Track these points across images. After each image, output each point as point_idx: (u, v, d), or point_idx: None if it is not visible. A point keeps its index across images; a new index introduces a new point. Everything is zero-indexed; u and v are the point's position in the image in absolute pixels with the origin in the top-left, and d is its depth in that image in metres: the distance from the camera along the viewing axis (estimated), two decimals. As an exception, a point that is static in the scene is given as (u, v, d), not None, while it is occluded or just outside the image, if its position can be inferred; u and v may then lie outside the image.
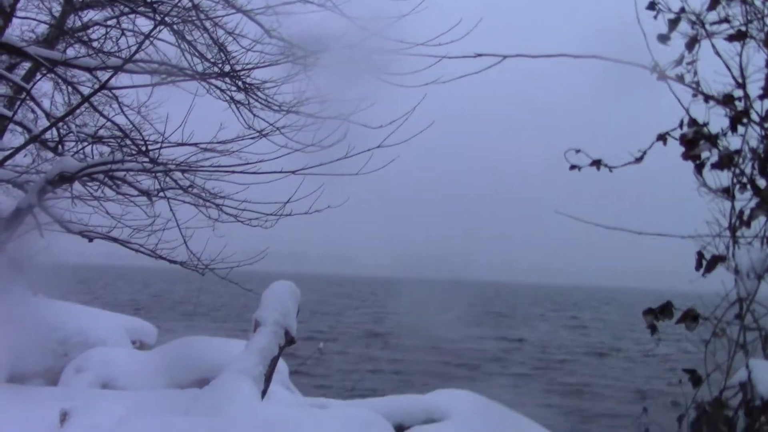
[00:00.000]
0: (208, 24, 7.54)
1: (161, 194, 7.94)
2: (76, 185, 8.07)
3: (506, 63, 2.99)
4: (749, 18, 2.73)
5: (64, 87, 8.88)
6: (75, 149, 8.35)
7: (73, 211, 8.17)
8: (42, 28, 8.35)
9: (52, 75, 8.25)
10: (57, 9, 8.62)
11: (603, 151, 2.96)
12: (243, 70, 7.63)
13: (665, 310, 2.65)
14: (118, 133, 7.83)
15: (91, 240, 7.87)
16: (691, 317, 2.63)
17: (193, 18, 7.43)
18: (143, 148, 7.45)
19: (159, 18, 7.13)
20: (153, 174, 7.83)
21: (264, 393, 4.66)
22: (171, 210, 7.67)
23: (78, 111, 8.56)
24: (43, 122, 8.70)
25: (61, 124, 8.13)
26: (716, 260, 2.66)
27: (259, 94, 7.77)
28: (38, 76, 8.54)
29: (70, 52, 8.05)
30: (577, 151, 2.80)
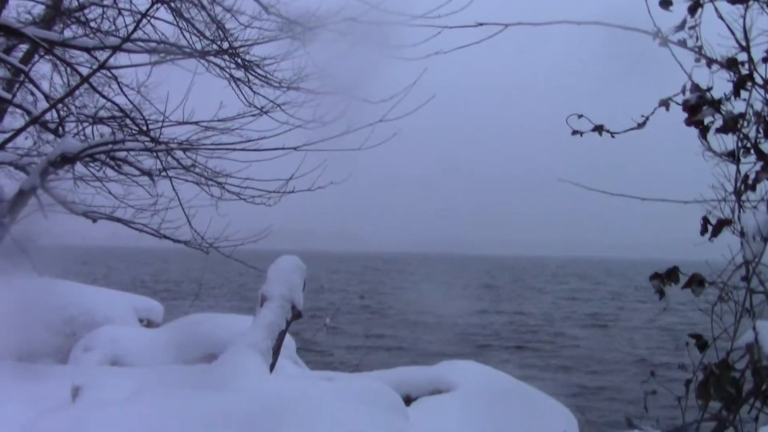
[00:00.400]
0: (205, 1, 7.49)
1: (163, 174, 7.94)
2: (78, 166, 8.08)
3: (509, 34, 2.98)
4: (752, -20, 2.70)
5: (62, 68, 8.84)
6: (76, 130, 8.33)
7: (75, 192, 8.19)
8: (39, 9, 8.28)
9: (51, 56, 8.21)
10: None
11: (606, 121, 2.95)
12: (242, 47, 7.59)
13: (672, 274, 2.66)
14: (119, 114, 7.82)
15: (94, 221, 7.89)
16: (696, 282, 2.64)
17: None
18: (144, 128, 7.44)
19: (156, -4, 7.07)
20: (154, 153, 7.82)
21: (272, 367, 4.69)
22: (174, 189, 7.68)
23: (77, 92, 8.53)
24: (43, 104, 8.67)
25: (60, 105, 8.11)
26: (722, 224, 2.67)
27: (258, 71, 7.74)
28: (36, 57, 8.51)
29: (68, 33, 8.00)
30: (580, 116, 2.80)
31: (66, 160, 7.21)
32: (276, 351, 4.86)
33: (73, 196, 8.06)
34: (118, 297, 9.84)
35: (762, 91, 2.75)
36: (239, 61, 7.65)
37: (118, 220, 7.98)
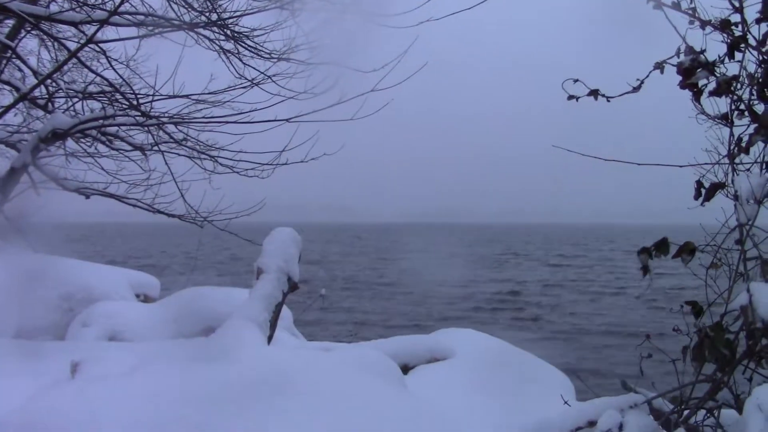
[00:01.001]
0: (193, -28, 7.39)
1: (155, 148, 7.91)
2: (70, 142, 8.04)
3: (501, 3, 2.95)
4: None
5: (50, 43, 8.74)
6: (65, 106, 8.27)
7: (68, 168, 8.15)
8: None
9: (37, 31, 8.11)
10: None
11: (602, 87, 2.94)
12: (231, 18, 7.51)
13: (661, 246, 2.66)
14: (108, 88, 7.75)
15: (87, 197, 7.86)
16: (687, 251, 2.65)
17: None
18: (134, 102, 7.38)
19: (143, -33, 6.98)
20: (146, 128, 7.78)
21: (270, 339, 4.72)
22: (166, 163, 7.65)
23: (66, 67, 8.45)
24: (31, 80, 8.60)
25: (49, 81, 8.04)
26: (716, 187, 2.67)
27: (248, 42, 7.67)
28: (23, 33, 8.40)
29: (54, 7, 7.90)
30: (575, 80, 2.78)
31: (57, 136, 7.17)
32: (273, 323, 4.87)
33: (65, 172, 8.03)
34: (115, 272, 9.85)
35: (755, 53, 2.74)
36: (228, 32, 7.58)
37: (111, 195, 7.96)
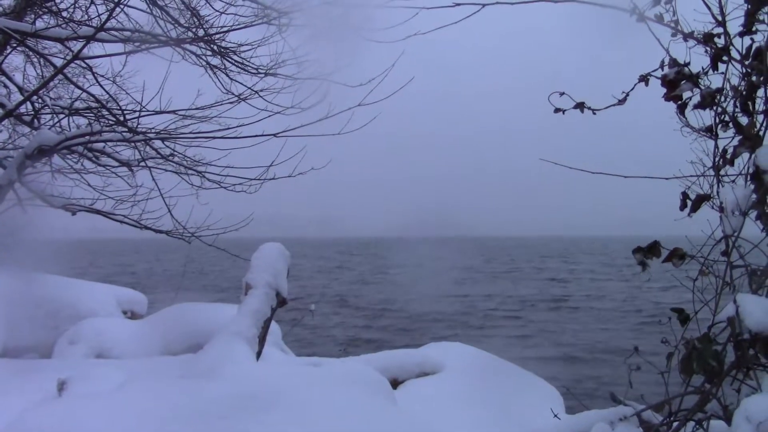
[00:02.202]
0: (179, -12, 7.40)
1: (142, 164, 7.89)
2: (56, 159, 7.99)
3: (486, 13, 2.97)
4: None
5: (35, 59, 8.72)
6: (51, 122, 8.24)
7: (54, 184, 8.11)
8: (8, 0, 8.15)
9: (23, 48, 8.09)
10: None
11: (587, 99, 2.96)
12: (217, 33, 7.52)
13: (653, 248, 2.68)
14: (95, 104, 7.73)
15: (74, 213, 7.82)
16: (677, 255, 2.67)
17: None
18: (121, 118, 7.36)
19: (129, -16, 6.99)
20: (132, 144, 7.76)
21: (258, 355, 4.69)
22: (153, 179, 7.63)
23: (52, 83, 8.43)
24: (17, 96, 8.56)
25: (35, 97, 8.01)
26: (701, 199, 2.69)
27: (234, 57, 7.68)
28: (8, 49, 8.38)
29: (40, 24, 7.89)
30: (561, 93, 2.80)
31: (43, 152, 7.13)
32: (262, 339, 4.85)
33: (52, 189, 7.98)
34: (102, 289, 9.79)
35: (739, 65, 2.76)
36: (215, 48, 7.59)
37: (98, 212, 7.92)
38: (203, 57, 7.71)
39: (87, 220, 8.03)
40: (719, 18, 2.73)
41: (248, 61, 7.67)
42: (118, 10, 7.14)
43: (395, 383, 6.30)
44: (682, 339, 2.63)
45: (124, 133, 7.49)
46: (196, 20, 7.51)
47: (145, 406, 3.27)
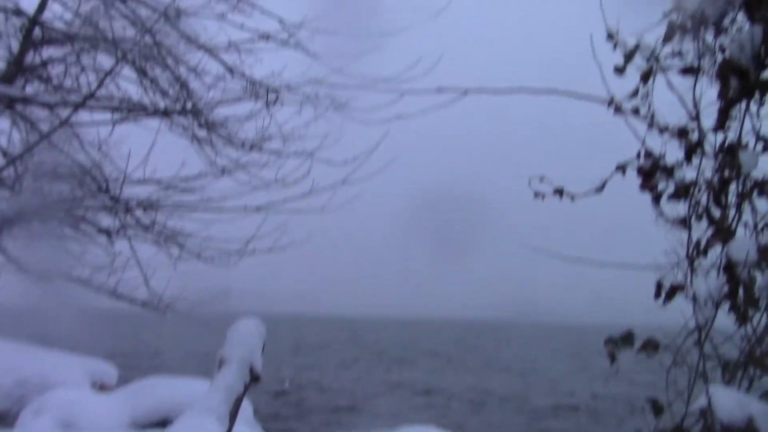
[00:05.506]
0: (170, 61, 7.54)
1: (122, 232, 7.84)
2: (35, 224, 7.94)
3: (469, 99, 3.04)
4: (701, 53, 2.81)
5: (21, 124, 8.75)
6: (33, 187, 8.21)
7: (32, 250, 8.02)
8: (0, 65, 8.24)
9: (10, 111, 8.14)
10: (15, 45, 8.52)
11: (565, 183, 3.01)
12: (205, 107, 7.63)
13: (626, 338, 2.68)
14: (79, 171, 7.74)
15: (49, 281, 7.73)
16: (651, 346, 2.67)
17: (156, 55, 7.43)
18: (104, 186, 7.38)
19: (121, 55, 7.11)
20: (114, 211, 7.74)
21: (228, 432, 4.57)
22: (132, 249, 7.58)
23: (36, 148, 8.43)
24: None
25: (18, 161, 8.00)
26: (675, 289, 2.71)
27: (221, 131, 7.77)
28: (-4, 113, 8.42)
29: (29, 89, 7.96)
30: (541, 179, 2.85)
31: (22, 218, 7.09)
32: (233, 416, 4.73)
33: (29, 254, 7.89)
34: (72, 360, 9.56)
35: (712, 160, 2.83)
36: (203, 121, 7.68)
37: (74, 280, 7.83)
38: (190, 129, 7.79)
39: (63, 286, 7.94)
40: (693, 113, 2.81)
41: (234, 135, 7.76)
42: (108, 79, 7.25)
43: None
44: (655, 430, 2.60)
45: (106, 202, 7.49)
46: (185, 92, 7.62)
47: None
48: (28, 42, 8.06)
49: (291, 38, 7.44)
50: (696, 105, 2.86)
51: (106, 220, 8.16)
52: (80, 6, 7.66)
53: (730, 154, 2.71)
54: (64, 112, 7.36)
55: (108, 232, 8.06)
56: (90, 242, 8.25)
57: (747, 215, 2.74)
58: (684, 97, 2.89)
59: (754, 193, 2.72)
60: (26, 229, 7.92)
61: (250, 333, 5.31)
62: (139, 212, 7.79)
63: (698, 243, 2.76)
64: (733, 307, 2.53)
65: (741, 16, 2.75)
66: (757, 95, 2.75)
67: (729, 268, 2.48)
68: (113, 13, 7.31)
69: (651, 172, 2.88)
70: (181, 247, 7.77)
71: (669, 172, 2.88)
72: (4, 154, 8.28)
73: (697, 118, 2.85)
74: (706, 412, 2.35)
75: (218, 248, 7.59)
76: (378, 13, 7.23)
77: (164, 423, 6.00)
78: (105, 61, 7.70)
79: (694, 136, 2.86)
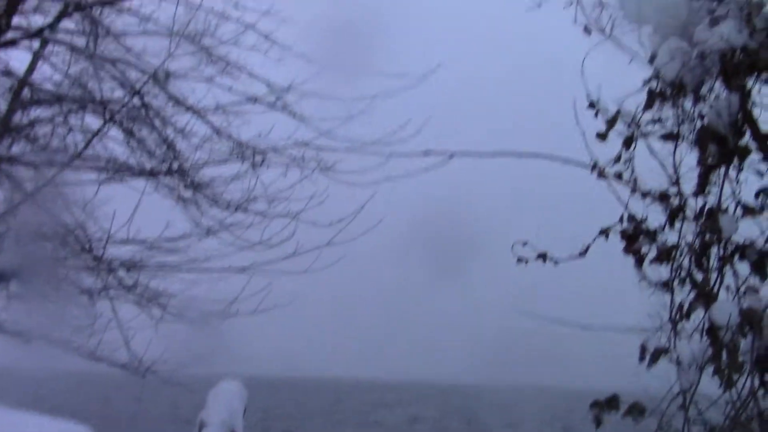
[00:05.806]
0: (158, 122, 7.59)
1: (103, 293, 7.75)
2: (16, 283, 7.84)
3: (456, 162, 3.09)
4: (681, 119, 2.88)
5: (6, 183, 8.72)
6: (14, 246, 8.13)
7: (11, 310, 7.89)
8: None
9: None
10: (3, 105, 8.56)
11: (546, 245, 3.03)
12: (192, 167, 7.66)
13: (612, 402, 2.67)
14: (62, 231, 7.69)
15: (27, 342, 7.58)
16: (637, 410, 2.65)
17: (144, 116, 7.48)
18: (87, 246, 7.32)
19: (108, 116, 7.16)
20: (96, 272, 7.67)
21: (207, 498, 4.46)
22: (113, 310, 7.48)
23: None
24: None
25: (0, 220, 7.95)
26: (659, 352, 2.71)
27: (207, 192, 7.78)
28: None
29: (15, 149, 7.97)
30: (524, 243, 2.87)
31: (2, 277, 7.02)
32: (212, 481, 4.64)
33: (8, 314, 7.77)
34: (46, 423, 9.32)
35: (693, 224, 2.87)
36: (189, 181, 7.69)
37: (53, 341, 7.68)
38: (176, 189, 7.79)
39: (42, 347, 7.79)
40: (674, 178, 2.86)
41: (220, 196, 7.76)
42: (95, 139, 7.28)
43: None
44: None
45: (89, 262, 7.42)
46: (171, 153, 7.65)
47: None
48: (16, 102, 8.12)
49: (278, 101, 7.53)
50: (676, 170, 2.92)
51: (88, 281, 8.07)
52: (70, 67, 7.73)
53: (710, 218, 2.75)
54: (49, 172, 7.35)
55: (90, 293, 7.96)
56: (70, 303, 8.14)
57: (729, 279, 2.77)
58: (665, 163, 2.95)
59: (735, 257, 2.76)
60: (6, 289, 7.82)
61: (231, 396, 5.25)
62: (122, 272, 7.72)
63: (681, 306, 2.78)
64: (717, 371, 2.53)
65: (718, 85, 2.83)
66: (735, 161, 2.81)
67: (712, 331, 2.50)
68: (102, 74, 7.38)
69: (634, 236, 2.91)
70: (164, 307, 7.67)
71: (651, 236, 2.91)
72: (-14, 212, 8.22)
73: (677, 183, 2.91)
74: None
75: (201, 309, 7.51)
76: (366, 76, 7.36)
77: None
78: (92, 121, 7.74)
79: (676, 201, 2.91)
